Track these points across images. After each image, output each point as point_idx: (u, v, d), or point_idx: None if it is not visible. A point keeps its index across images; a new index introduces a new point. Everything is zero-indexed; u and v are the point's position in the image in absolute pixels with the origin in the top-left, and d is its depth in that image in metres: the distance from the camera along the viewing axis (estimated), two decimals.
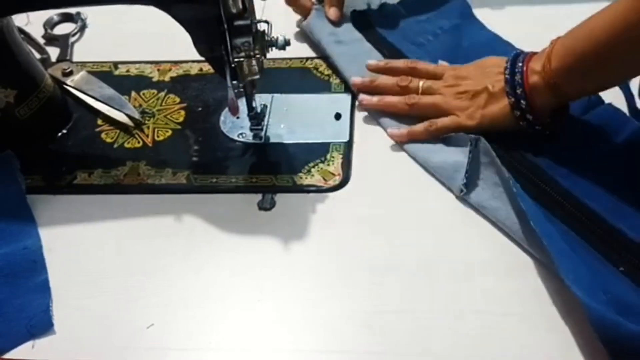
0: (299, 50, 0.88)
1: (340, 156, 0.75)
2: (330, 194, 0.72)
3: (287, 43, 0.70)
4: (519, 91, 0.69)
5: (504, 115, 0.71)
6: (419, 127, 0.75)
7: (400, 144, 0.76)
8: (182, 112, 0.82)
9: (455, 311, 0.62)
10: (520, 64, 0.70)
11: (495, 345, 0.59)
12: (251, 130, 0.78)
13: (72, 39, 0.92)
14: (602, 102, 0.74)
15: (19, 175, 0.74)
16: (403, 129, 0.76)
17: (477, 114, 0.72)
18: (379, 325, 0.61)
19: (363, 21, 0.89)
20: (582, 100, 0.73)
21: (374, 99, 0.78)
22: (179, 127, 0.80)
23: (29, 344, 0.62)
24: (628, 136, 0.71)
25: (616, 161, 0.70)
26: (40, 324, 0.62)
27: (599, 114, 0.73)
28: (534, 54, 0.71)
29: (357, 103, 0.80)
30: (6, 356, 0.61)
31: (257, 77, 0.69)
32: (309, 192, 0.73)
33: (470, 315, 0.61)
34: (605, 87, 0.71)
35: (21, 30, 0.86)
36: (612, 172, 0.69)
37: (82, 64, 0.88)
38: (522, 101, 0.69)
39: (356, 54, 0.84)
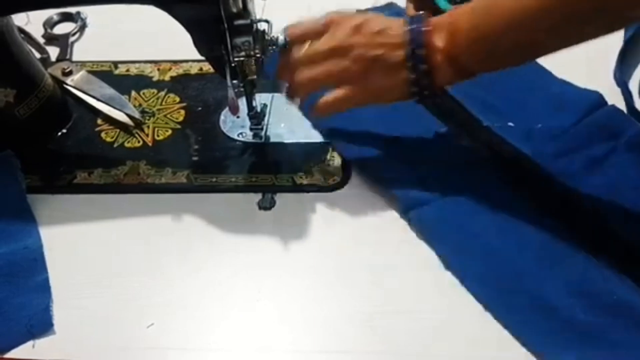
0: None
1: (340, 156, 0.75)
2: (330, 194, 0.72)
3: (287, 42, 0.69)
4: (421, 67, 0.63)
5: (398, 89, 0.65)
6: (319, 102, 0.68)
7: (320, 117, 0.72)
8: (182, 112, 0.82)
9: (456, 311, 0.62)
10: (422, 38, 0.62)
11: (496, 345, 0.59)
12: (251, 129, 0.78)
13: (72, 39, 0.92)
14: (606, 103, 0.74)
15: (19, 175, 0.74)
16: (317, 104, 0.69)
17: (369, 87, 0.66)
18: (379, 325, 0.61)
19: None
20: (584, 101, 0.72)
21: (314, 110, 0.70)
22: (179, 126, 0.80)
23: (29, 343, 0.62)
24: (629, 138, 0.71)
25: (617, 162, 0.69)
26: (40, 324, 0.62)
27: (603, 115, 0.73)
28: (433, 22, 0.63)
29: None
30: (6, 355, 0.61)
31: (256, 76, 0.69)
32: (309, 191, 0.72)
33: (471, 315, 0.61)
34: (513, 66, 0.64)
35: (21, 30, 0.86)
36: (612, 173, 0.68)
37: (82, 64, 0.88)
38: (423, 78, 0.63)
39: None
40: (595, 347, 0.58)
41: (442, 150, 0.73)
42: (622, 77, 0.77)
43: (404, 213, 0.68)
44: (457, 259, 0.65)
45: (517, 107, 0.75)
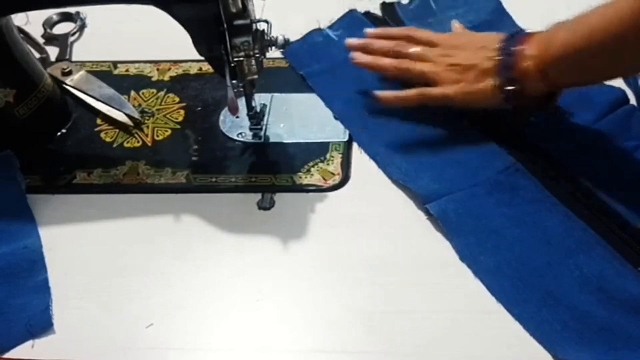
0: None
1: (340, 155, 0.75)
2: (330, 194, 0.72)
3: (286, 42, 0.69)
4: (509, 73, 0.68)
5: (491, 94, 0.70)
6: (410, 92, 0.75)
7: (386, 105, 0.76)
8: (182, 112, 0.82)
9: (457, 311, 0.62)
10: (514, 46, 0.68)
11: (496, 345, 0.59)
12: (251, 129, 0.78)
13: (71, 39, 0.92)
14: (628, 101, 0.74)
15: (18, 175, 0.74)
16: (390, 92, 0.76)
17: (465, 89, 0.71)
18: (379, 325, 0.61)
19: (393, 15, 0.89)
20: (606, 98, 0.74)
21: (367, 57, 0.78)
22: (178, 126, 0.80)
23: (28, 343, 0.62)
24: None
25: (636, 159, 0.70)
26: (39, 324, 0.62)
27: (624, 112, 0.73)
28: (530, 35, 0.69)
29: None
30: (6, 356, 0.61)
31: (256, 76, 0.69)
32: (308, 191, 0.72)
33: (471, 315, 0.61)
34: (595, 83, 0.71)
35: (20, 30, 0.86)
36: (636, 172, 0.69)
37: (82, 64, 0.88)
38: (511, 83, 0.68)
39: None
40: (608, 343, 0.58)
41: (460, 142, 0.74)
42: (634, 79, 0.76)
43: (423, 204, 0.69)
44: (472, 251, 0.65)
45: None
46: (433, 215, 0.68)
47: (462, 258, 0.65)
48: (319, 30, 0.89)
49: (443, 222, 0.67)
